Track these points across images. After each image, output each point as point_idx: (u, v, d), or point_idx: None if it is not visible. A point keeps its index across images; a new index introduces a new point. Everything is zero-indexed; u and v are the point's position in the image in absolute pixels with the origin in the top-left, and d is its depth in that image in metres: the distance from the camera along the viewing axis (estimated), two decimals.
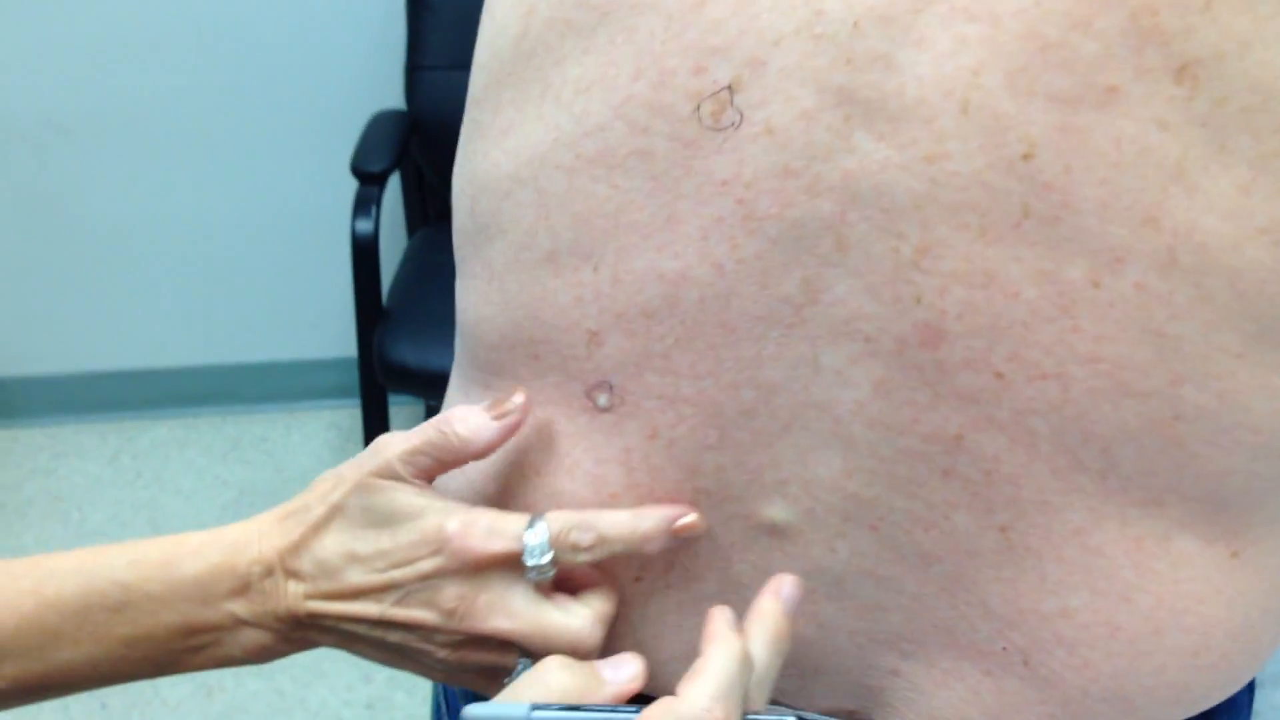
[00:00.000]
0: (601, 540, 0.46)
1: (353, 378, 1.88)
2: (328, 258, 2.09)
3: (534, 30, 0.47)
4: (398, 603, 0.46)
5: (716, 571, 0.48)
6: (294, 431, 2.22)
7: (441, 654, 0.47)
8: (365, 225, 1.67)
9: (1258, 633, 0.46)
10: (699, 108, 0.43)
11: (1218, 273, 0.41)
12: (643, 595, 0.48)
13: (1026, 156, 0.40)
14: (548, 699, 0.41)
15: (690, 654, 0.49)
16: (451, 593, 0.45)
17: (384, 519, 0.46)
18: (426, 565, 0.46)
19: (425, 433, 0.47)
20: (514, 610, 0.46)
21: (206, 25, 1.95)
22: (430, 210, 2.01)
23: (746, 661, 0.42)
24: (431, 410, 2.06)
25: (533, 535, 0.46)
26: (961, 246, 0.41)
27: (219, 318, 2.20)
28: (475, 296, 0.51)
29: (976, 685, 0.46)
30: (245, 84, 1.99)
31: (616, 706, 0.42)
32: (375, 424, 1.78)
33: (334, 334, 2.19)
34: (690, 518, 0.46)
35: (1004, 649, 0.45)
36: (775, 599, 0.45)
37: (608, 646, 0.49)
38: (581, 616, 0.46)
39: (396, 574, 0.46)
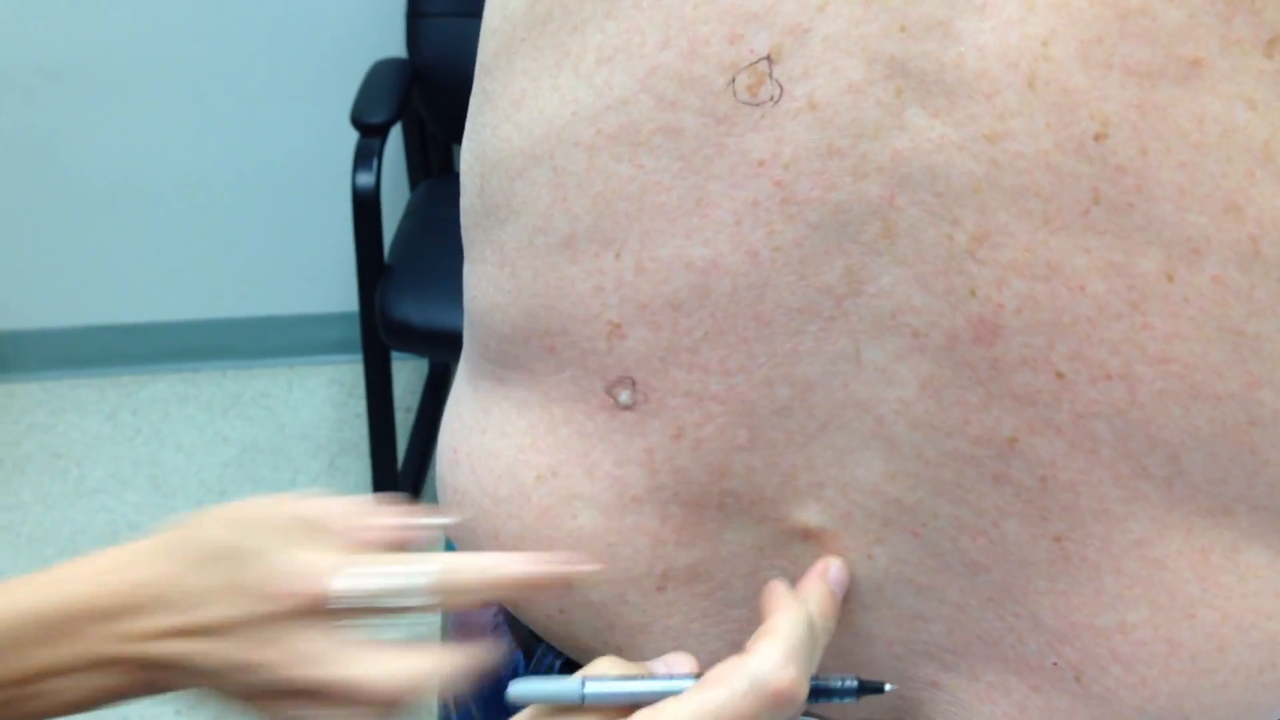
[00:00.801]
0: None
1: (355, 333, 1.84)
2: (329, 211, 2.05)
3: None
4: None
5: (744, 579, 0.45)
6: (295, 387, 2.19)
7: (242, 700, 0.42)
8: (366, 178, 1.63)
9: None
10: (734, 80, 0.39)
11: None
12: (666, 605, 0.45)
13: (1099, 136, 0.36)
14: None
15: (717, 662, 0.46)
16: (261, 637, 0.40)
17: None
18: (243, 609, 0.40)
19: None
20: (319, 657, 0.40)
21: None
22: (433, 163, 1.96)
23: (814, 628, 0.40)
24: (435, 369, 2.03)
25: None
26: (1023, 235, 0.38)
27: (219, 271, 2.16)
28: (485, 283, 0.47)
29: (1023, 701, 0.43)
30: (243, 31, 1.94)
31: (672, 676, 0.39)
32: (377, 380, 1.75)
33: (336, 288, 2.15)
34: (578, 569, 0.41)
35: (1055, 664, 0.42)
36: (822, 580, 0.42)
37: (629, 658, 0.46)
38: (386, 671, 0.40)
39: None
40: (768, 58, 0.39)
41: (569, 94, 0.42)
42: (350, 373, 2.18)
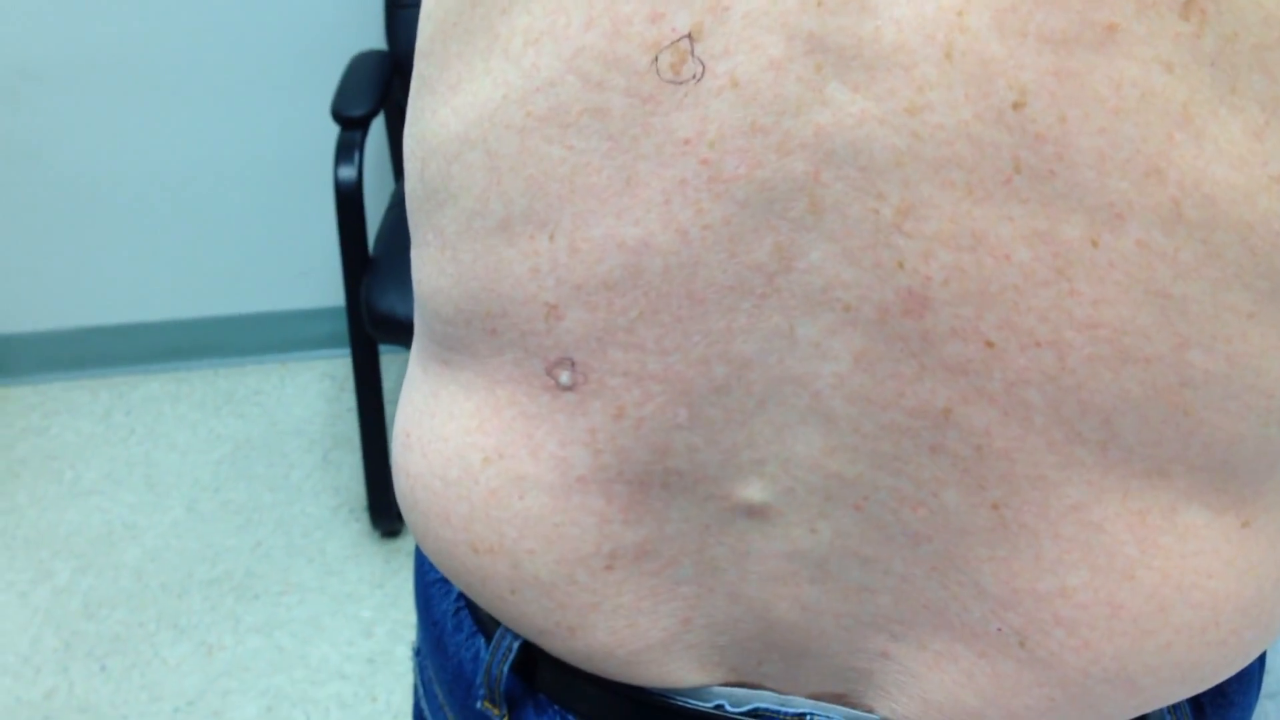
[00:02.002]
0: None
1: (345, 327, 1.85)
2: (315, 205, 2.05)
3: None
4: None
5: (692, 556, 0.45)
6: (288, 383, 2.20)
7: None
8: (348, 172, 1.63)
9: (1270, 605, 0.44)
10: (656, 59, 0.39)
11: (1227, 227, 0.37)
12: (615, 584, 0.45)
13: (1017, 105, 0.37)
14: None
15: (670, 640, 0.47)
16: None
17: None
18: None
19: None
20: None
21: None
22: None
23: None
24: None
25: None
26: (947, 206, 0.38)
27: (208, 269, 2.16)
28: (429, 267, 0.47)
29: (970, 667, 0.44)
30: (223, 27, 1.94)
31: None
32: (366, 375, 1.75)
33: (324, 283, 2.15)
34: None
35: (999, 630, 0.43)
36: None
37: (583, 639, 0.47)
38: None
39: None
40: (689, 36, 0.39)
41: (499, 77, 0.42)
42: (342, 367, 2.19)
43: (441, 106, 0.45)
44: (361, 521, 1.90)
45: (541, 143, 0.41)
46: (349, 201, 1.63)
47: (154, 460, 2.04)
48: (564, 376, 0.43)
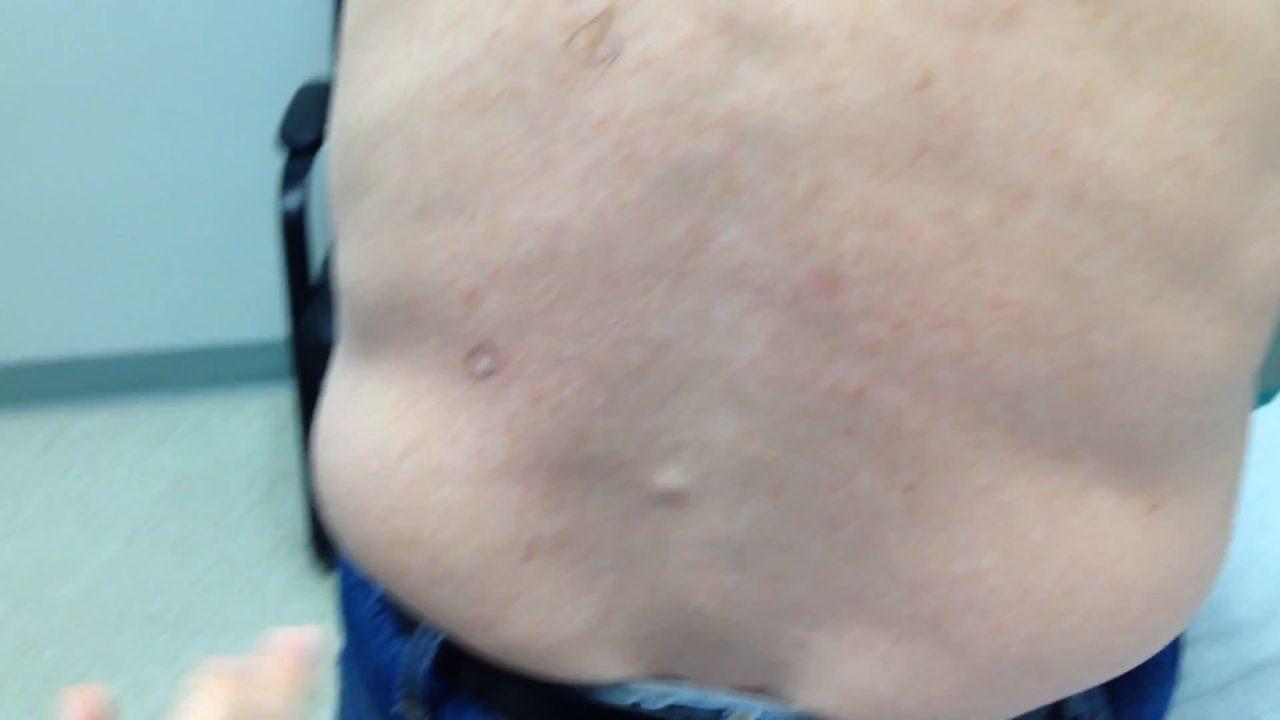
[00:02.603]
0: None
1: (288, 359, 1.83)
2: (260, 235, 2.03)
3: None
4: None
5: (611, 545, 0.45)
6: (232, 416, 2.17)
7: None
8: (293, 200, 1.62)
9: (1179, 589, 0.44)
10: (572, 39, 0.39)
11: (1128, 208, 0.38)
12: (534, 575, 0.45)
13: (923, 85, 0.37)
14: None
15: (589, 632, 0.46)
16: None
17: None
18: None
19: None
20: None
21: None
22: None
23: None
24: None
25: None
26: (856, 185, 0.38)
27: (149, 301, 2.14)
28: (351, 258, 0.47)
29: (887, 654, 0.44)
30: (168, 56, 1.93)
31: None
32: (311, 407, 1.74)
33: (269, 314, 2.13)
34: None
35: (913, 615, 0.43)
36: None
37: (501, 632, 0.46)
38: None
39: None
40: (604, 15, 0.39)
41: (419, 61, 0.43)
42: (286, 400, 2.16)
43: (363, 93, 0.45)
44: (303, 557, 1.87)
45: (460, 126, 0.42)
46: (293, 230, 1.62)
47: (92, 496, 2.00)
48: (483, 363, 0.44)
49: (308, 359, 1.67)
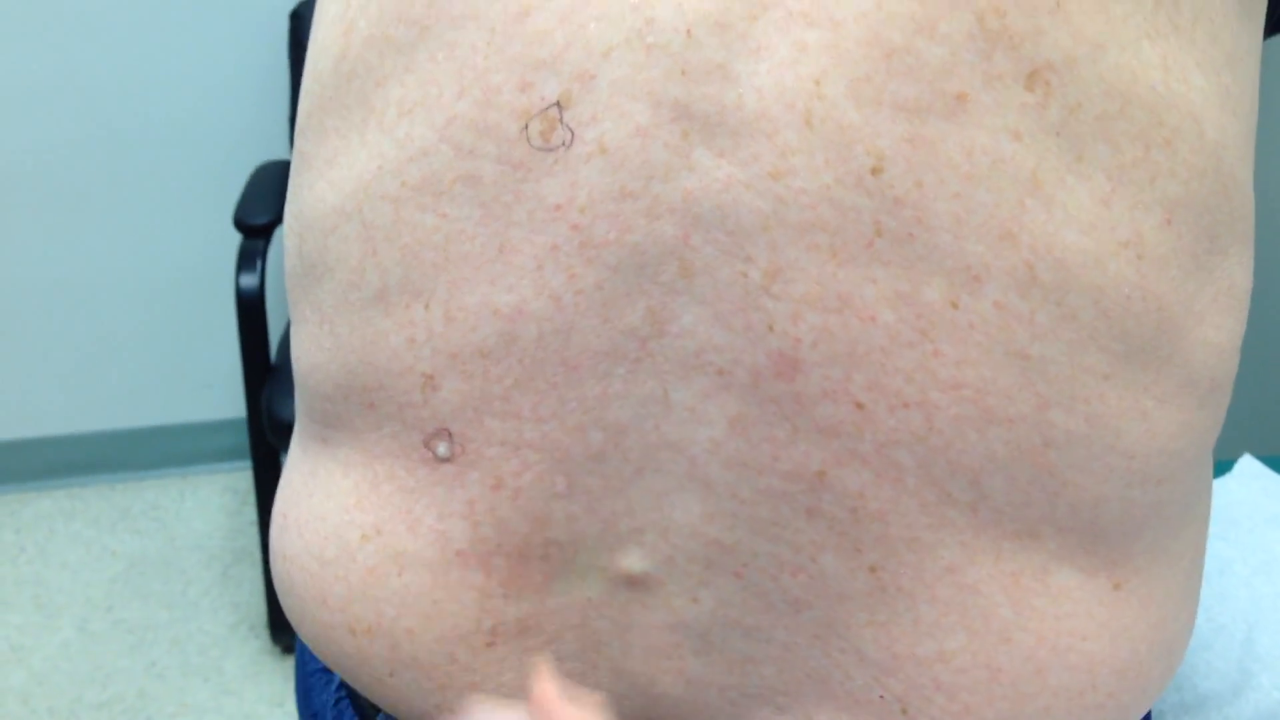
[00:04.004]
0: None
1: (246, 438, 1.81)
2: (214, 315, 2.02)
3: (354, 50, 0.44)
4: None
5: (575, 631, 0.44)
6: (187, 497, 2.14)
7: None
8: (250, 280, 1.62)
9: (1146, 667, 0.44)
10: (527, 127, 0.40)
11: (1080, 290, 0.39)
12: (497, 661, 0.44)
13: (875, 170, 0.38)
14: None
15: None
16: None
17: None
18: None
19: None
20: None
21: (82, 79, 1.89)
22: None
23: None
24: None
25: None
26: (813, 269, 0.39)
27: (104, 381, 2.12)
28: (307, 343, 0.47)
29: None
30: (123, 138, 1.94)
31: None
32: (268, 485, 1.72)
33: (224, 394, 2.12)
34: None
35: (881, 697, 0.42)
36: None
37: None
38: None
39: None
40: (557, 104, 0.39)
41: (375, 148, 0.43)
42: (244, 480, 2.14)
43: (318, 180, 0.45)
44: (261, 638, 1.84)
45: (416, 212, 0.42)
46: (250, 310, 1.62)
47: (44, 579, 1.96)
48: (441, 448, 0.43)
49: (265, 438, 1.66)
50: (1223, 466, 0.90)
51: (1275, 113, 1.13)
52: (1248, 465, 0.89)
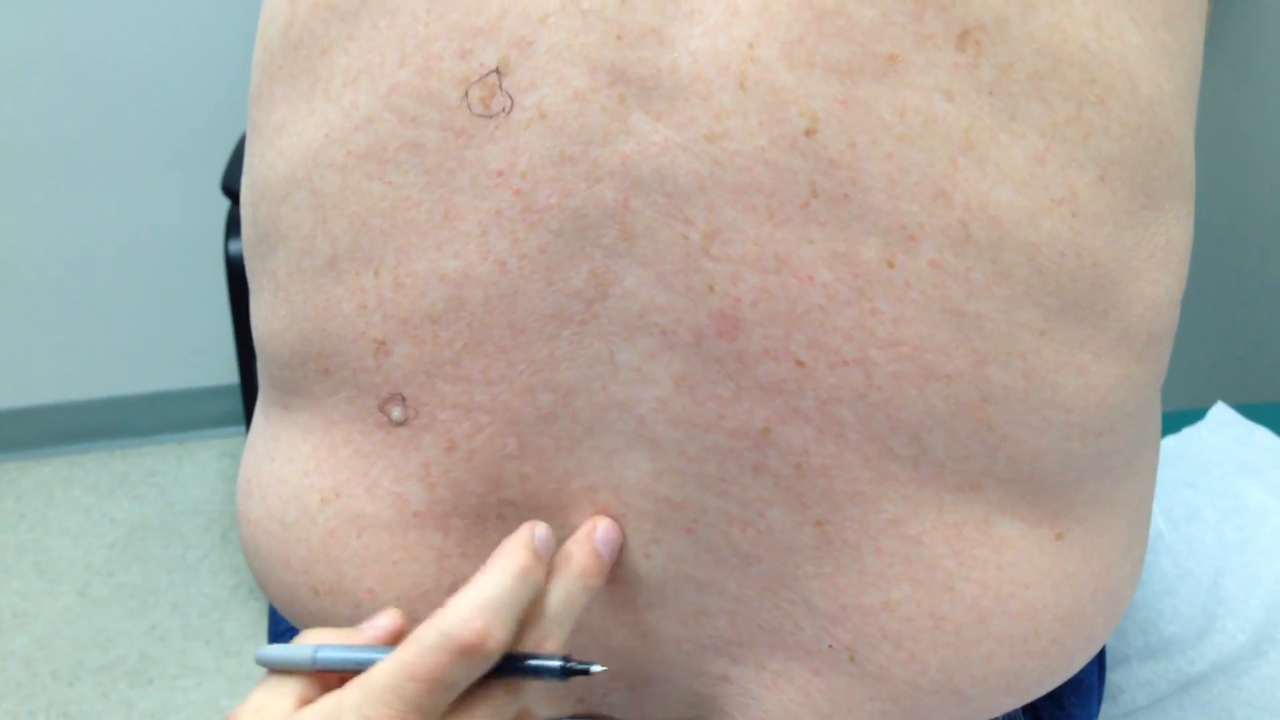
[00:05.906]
0: None
1: (241, 404, 1.82)
2: (209, 281, 2.03)
3: (300, 18, 0.44)
4: None
5: None
6: (185, 463, 2.15)
7: None
8: (239, 246, 1.62)
9: (1089, 615, 0.45)
10: (467, 94, 0.40)
11: (1014, 247, 0.39)
12: None
13: (809, 132, 0.38)
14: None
15: None
16: None
17: None
18: None
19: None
20: None
21: (69, 46, 1.89)
22: None
23: (527, 580, 0.39)
24: None
25: None
26: (750, 230, 0.39)
27: (99, 349, 2.12)
28: (265, 311, 0.48)
29: (806, 685, 0.44)
30: (112, 105, 1.93)
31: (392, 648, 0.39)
32: None
33: (220, 360, 2.12)
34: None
35: (830, 646, 0.43)
36: (587, 540, 0.42)
37: None
38: None
39: None
40: (496, 70, 0.40)
41: (321, 117, 0.43)
42: (241, 444, 2.15)
43: (268, 149, 0.46)
44: (261, 600, 1.86)
45: (363, 179, 0.42)
46: (241, 276, 1.62)
47: (45, 546, 1.98)
48: (396, 412, 0.44)
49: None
50: (1195, 414, 0.90)
51: (1275, 112, 1.12)
52: (1220, 413, 0.89)
